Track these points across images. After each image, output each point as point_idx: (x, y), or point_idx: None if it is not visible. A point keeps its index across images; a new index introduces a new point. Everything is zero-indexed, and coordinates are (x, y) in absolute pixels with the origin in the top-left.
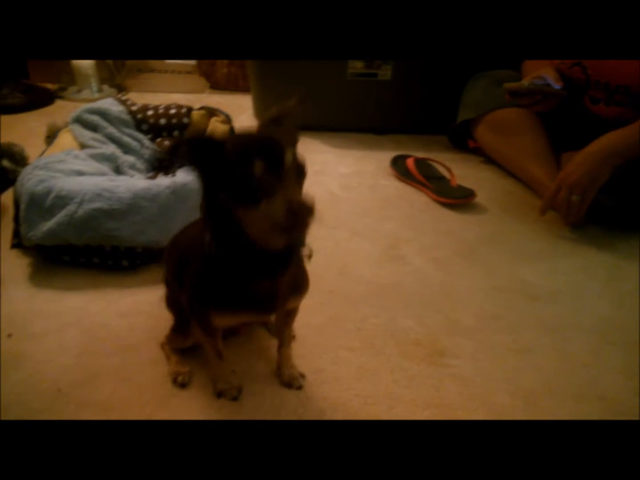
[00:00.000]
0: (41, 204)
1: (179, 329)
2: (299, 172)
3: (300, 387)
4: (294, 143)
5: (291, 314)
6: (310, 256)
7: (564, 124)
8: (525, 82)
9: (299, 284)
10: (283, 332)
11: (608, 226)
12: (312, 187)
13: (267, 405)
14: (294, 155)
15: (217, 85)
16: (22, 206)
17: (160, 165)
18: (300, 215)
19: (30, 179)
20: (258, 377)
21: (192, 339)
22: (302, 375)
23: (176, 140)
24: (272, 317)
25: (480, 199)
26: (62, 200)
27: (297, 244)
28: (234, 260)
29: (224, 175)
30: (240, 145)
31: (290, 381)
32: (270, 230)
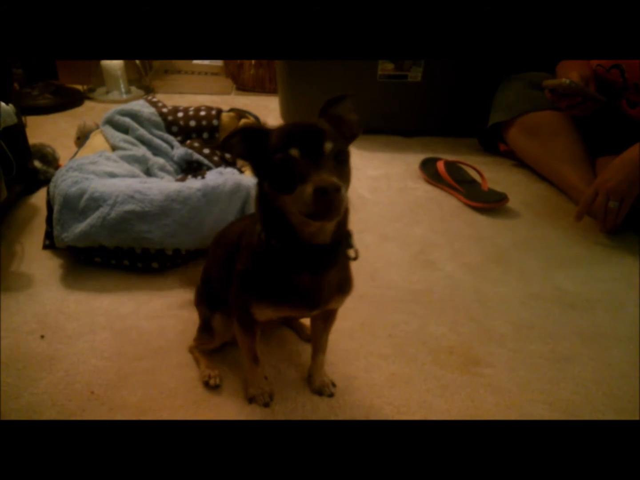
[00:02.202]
0: (75, 206)
1: (205, 329)
2: (340, 161)
3: (331, 395)
4: (347, 134)
5: (330, 319)
6: (356, 257)
7: (599, 127)
8: (566, 79)
9: (343, 284)
10: (320, 339)
11: None
12: None
13: (298, 412)
14: (336, 144)
15: (244, 86)
16: (56, 207)
17: (189, 167)
18: (326, 202)
19: (64, 180)
20: (289, 383)
21: (218, 339)
22: (333, 384)
23: (232, 131)
24: (307, 319)
25: (512, 203)
26: (96, 202)
27: (344, 242)
28: (281, 252)
29: (267, 162)
30: (281, 133)
31: (321, 389)
32: (302, 216)
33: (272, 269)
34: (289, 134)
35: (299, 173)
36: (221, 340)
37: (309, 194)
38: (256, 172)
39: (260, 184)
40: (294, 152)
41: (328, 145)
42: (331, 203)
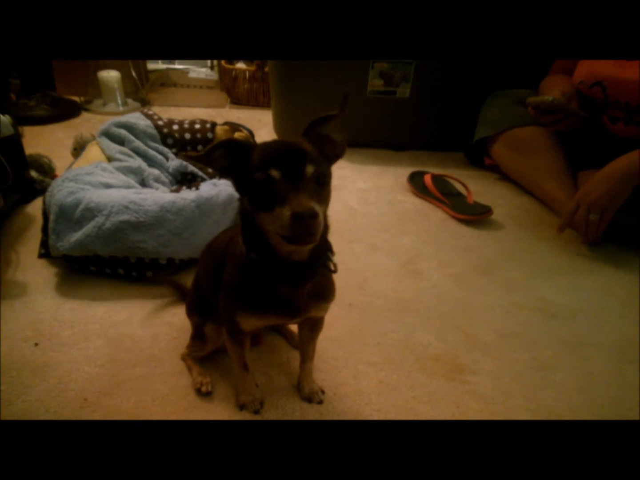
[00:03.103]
0: (70, 216)
1: (197, 336)
2: (320, 183)
3: (320, 402)
4: (331, 154)
5: (316, 327)
6: (335, 270)
7: (581, 142)
8: (549, 96)
9: (324, 293)
10: (307, 347)
11: (626, 245)
12: (331, 202)
13: (288, 418)
14: (317, 167)
15: (238, 100)
16: (52, 217)
17: (184, 178)
18: (302, 227)
19: (60, 191)
20: (279, 390)
21: (210, 345)
22: (322, 391)
23: (213, 143)
24: (296, 326)
25: (497, 215)
26: (91, 212)
27: (322, 257)
28: (260, 265)
29: (247, 179)
30: (264, 152)
31: (311, 396)
32: (279, 237)
33: (253, 279)
34: (271, 154)
35: (278, 194)
36: (213, 346)
37: (286, 217)
38: (237, 186)
39: (241, 200)
40: (275, 173)
41: (309, 168)
42: (307, 228)
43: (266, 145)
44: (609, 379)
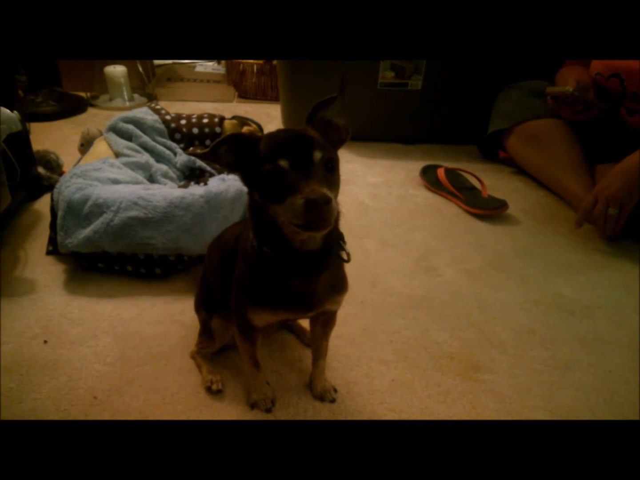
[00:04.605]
0: (78, 212)
1: (205, 332)
2: (329, 169)
3: (333, 401)
4: (336, 139)
5: (329, 324)
6: (348, 260)
7: (599, 135)
8: (569, 87)
9: (337, 285)
10: (320, 344)
11: None
12: (341, 197)
13: (300, 418)
14: (325, 152)
15: (246, 94)
16: (60, 213)
17: (192, 173)
18: (317, 213)
19: (68, 187)
20: (290, 389)
21: (218, 341)
22: (335, 389)
23: (218, 139)
24: (307, 323)
25: (512, 210)
26: (99, 208)
27: (335, 246)
28: (273, 258)
29: (256, 172)
30: (270, 143)
31: (323, 394)
32: (293, 226)
33: (265, 274)
34: (277, 144)
35: (288, 184)
36: (221, 342)
37: (300, 206)
38: (245, 181)
39: (250, 194)
40: (283, 162)
41: (317, 154)
42: (322, 214)
43: (271, 135)
44: (628, 377)
